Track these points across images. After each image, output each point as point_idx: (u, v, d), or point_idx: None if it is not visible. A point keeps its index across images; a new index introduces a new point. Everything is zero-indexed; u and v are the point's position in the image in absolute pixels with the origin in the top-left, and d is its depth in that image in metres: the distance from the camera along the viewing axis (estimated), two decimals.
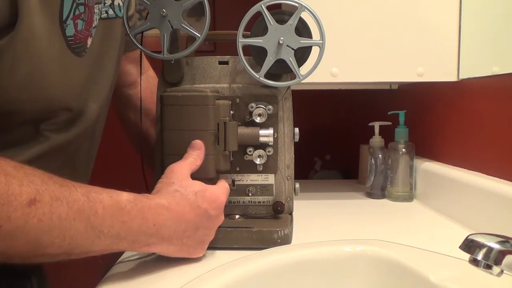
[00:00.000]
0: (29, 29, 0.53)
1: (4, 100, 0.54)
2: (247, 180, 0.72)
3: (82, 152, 0.71)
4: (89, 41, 0.63)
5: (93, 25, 0.64)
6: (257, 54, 0.67)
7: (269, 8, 0.65)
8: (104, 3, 0.68)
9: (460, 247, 0.41)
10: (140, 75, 0.84)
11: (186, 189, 0.58)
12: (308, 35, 0.66)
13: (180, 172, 0.60)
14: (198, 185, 0.59)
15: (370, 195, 1.02)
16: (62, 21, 0.57)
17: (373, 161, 1.01)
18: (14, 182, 0.43)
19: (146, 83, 0.87)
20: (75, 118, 0.66)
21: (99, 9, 0.65)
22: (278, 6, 0.69)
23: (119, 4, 0.71)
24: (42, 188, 0.45)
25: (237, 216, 0.71)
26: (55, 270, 0.90)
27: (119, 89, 0.85)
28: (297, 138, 0.73)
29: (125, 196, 0.52)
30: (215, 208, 0.59)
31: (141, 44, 0.71)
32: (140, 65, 0.81)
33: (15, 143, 0.48)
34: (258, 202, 0.72)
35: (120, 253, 0.64)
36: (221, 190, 0.61)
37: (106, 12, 0.68)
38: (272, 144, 0.70)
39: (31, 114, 0.60)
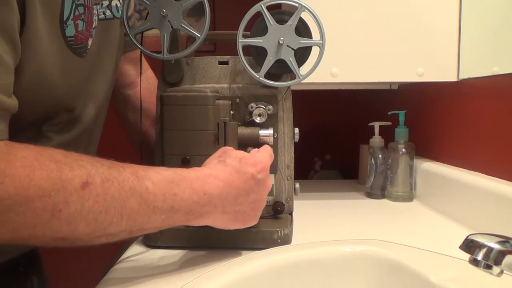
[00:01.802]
0: (33, 29, 0.53)
1: None
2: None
3: (80, 152, 0.71)
4: (90, 41, 0.63)
5: (93, 26, 0.64)
6: (257, 54, 0.67)
7: (269, 8, 0.65)
8: (102, 4, 0.68)
9: (460, 247, 0.41)
10: (140, 75, 0.84)
11: (229, 158, 0.59)
12: (308, 35, 0.66)
13: (226, 148, 0.61)
14: (241, 152, 0.60)
15: (370, 195, 1.02)
16: (62, 22, 0.57)
17: (373, 161, 1.01)
18: (66, 168, 0.45)
19: (145, 84, 0.87)
20: (75, 119, 0.66)
21: (96, 10, 0.65)
22: (278, 6, 0.69)
23: (116, 5, 0.71)
24: (92, 171, 0.47)
25: None
26: (55, 270, 0.90)
27: (117, 90, 0.85)
28: (297, 138, 0.73)
29: (171, 170, 0.54)
30: (260, 172, 0.59)
31: (141, 44, 0.71)
32: (140, 65, 0.81)
33: None
34: None
35: (120, 253, 0.64)
36: (263, 154, 0.61)
37: (104, 13, 0.69)
38: (272, 144, 0.70)
39: (35, 116, 0.60)
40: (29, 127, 0.61)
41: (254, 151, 0.62)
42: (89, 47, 0.63)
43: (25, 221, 0.43)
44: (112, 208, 0.47)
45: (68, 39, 0.59)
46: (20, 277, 0.74)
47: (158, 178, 0.51)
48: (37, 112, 0.60)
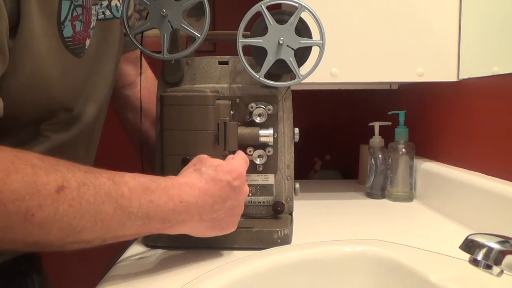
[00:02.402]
0: (29, 30, 0.53)
1: (8, 102, 0.54)
2: (247, 180, 0.72)
3: (81, 152, 0.71)
4: (87, 42, 0.63)
5: (91, 27, 0.64)
6: (257, 54, 0.67)
7: (269, 8, 0.65)
8: (101, 4, 0.68)
9: (460, 247, 0.41)
10: (140, 76, 0.84)
11: (204, 166, 0.59)
12: (308, 35, 0.66)
13: (201, 156, 0.61)
14: (216, 160, 0.60)
15: (370, 195, 1.02)
16: (60, 23, 0.57)
17: (373, 161, 1.01)
18: (41, 172, 0.45)
19: (144, 84, 0.88)
20: (74, 118, 0.66)
21: (95, 10, 0.65)
22: (278, 6, 0.69)
23: (116, 5, 0.71)
24: (68, 175, 0.46)
25: None
26: (55, 269, 0.90)
27: (117, 90, 0.85)
28: (297, 138, 0.73)
29: (147, 177, 0.53)
30: (236, 179, 0.59)
31: (141, 44, 0.71)
32: (140, 65, 0.81)
33: (16, 145, 0.49)
34: (258, 202, 0.72)
35: (120, 253, 0.64)
36: (238, 161, 0.62)
37: (103, 13, 0.69)
38: (272, 144, 0.70)
39: (33, 116, 0.60)
40: (26, 126, 0.60)
41: (230, 157, 0.62)
42: (86, 47, 0.63)
43: None
44: (86, 213, 0.46)
45: (66, 39, 0.59)
46: (21, 276, 0.74)
47: (134, 183, 0.51)
48: (34, 112, 0.60)
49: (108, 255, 0.67)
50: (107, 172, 0.50)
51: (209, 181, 0.57)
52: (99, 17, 0.67)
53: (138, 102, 0.84)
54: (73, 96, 0.64)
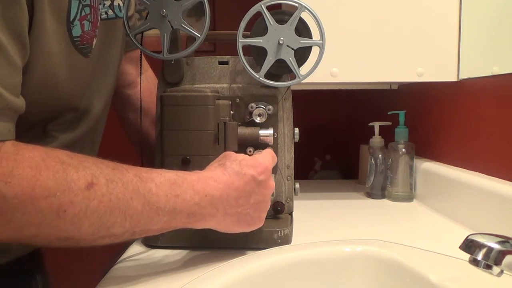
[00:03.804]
0: (41, 29, 0.53)
1: None
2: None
3: (86, 151, 0.71)
4: (94, 41, 0.63)
5: (98, 25, 0.64)
6: (257, 54, 0.67)
7: (269, 8, 0.65)
8: (104, 4, 0.68)
9: (460, 247, 0.41)
10: (140, 75, 0.84)
11: (229, 161, 0.59)
12: (308, 35, 0.66)
13: (227, 152, 0.62)
14: (241, 155, 0.60)
15: (370, 195, 1.02)
16: (69, 22, 0.58)
17: (373, 161, 1.01)
18: (71, 169, 0.46)
19: (145, 83, 0.88)
20: (80, 118, 0.66)
21: (99, 9, 0.65)
22: (278, 6, 0.69)
23: (118, 4, 0.71)
24: (97, 172, 0.47)
25: None
26: (57, 269, 0.90)
27: (118, 90, 0.86)
28: (297, 138, 0.73)
29: (173, 173, 0.54)
30: (261, 173, 0.59)
31: (141, 44, 0.71)
32: (140, 65, 0.81)
33: None
34: None
35: (120, 253, 0.64)
36: (265, 156, 0.61)
37: (106, 13, 0.69)
38: (272, 144, 0.70)
39: (41, 116, 0.61)
40: (34, 127, 0.61)
41: (257, 153, 0.63)
42: (93, 46, 0.63)
43: (30, 220, 0.44)
44: (116, 208, 0.47)
45: (75, 39, 0.59)
46: (24, 276, 0.75)
47: (160, 180, 0.52)
48: (42, 112, 0.60)
49: (109, 255, 0.67)
50: (134, 168, 0.52)
51: (233, 175, 0.57)
52: (102, 17, 0.67)
53: (139, 102, 0.84)
54: (79, 95, 0.64)
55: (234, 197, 0.56)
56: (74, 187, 0.45)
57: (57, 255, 0.91)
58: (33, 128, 0.61)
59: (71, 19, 0.58)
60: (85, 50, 0.61)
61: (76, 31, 0.59)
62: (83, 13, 0.59)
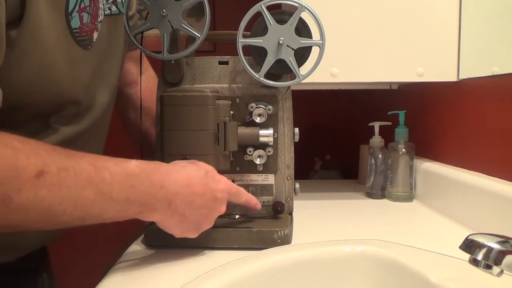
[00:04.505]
0: (36, 20, 0.53)
1: (15, 93, 0.54)
2: (247, 180, 0.72)
3: (91, 146, 0.72)
4: (95, 35, 0.64)
5: (99, 20, 0.64)
6: (257, 54, 0.67)
7: (269, 8, 0.65)
8: (107, 0, 0.68)
9: (460, 247, 0.41)
10: (140, 75, 0.84)
11: (198, 166, 0.59)
12: (308, 35, 0.66)
13: (195, 160, 0.62)
14: (211, 167, 0.60)
15: (370, 195, 1.02)
16: (67, 13, 0.58)
17: (373, 161, 1.01)
18: (21, 155, 0.44)
19: (146, 83, 0.88)
20: (83, 112, 0.67)
21: (102, 4, 0.66)
22: (278, 6, 0.69)
23: (122, 0, 0.71)
24: (48, 160, 0.46)
25: (237, 216, 0.71)
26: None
27: (119, 88, 0.86)
28: (297, 138, 0.73)
29: (133, 163, 0.53)
30: (221, 192, 0.59)
31: (141, 44, 0.71)
32: (140, 64, 0.81)
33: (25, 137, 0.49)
34: None
35: (120, 253, 0.64)
36: (229, 181, 0.62)
37: (110, 9, 0.69)
38: (272, 144, 0.70)
39: (41, 108, 0.60)
40: (35, 119, 0.61)
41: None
42: (94, 40, 0.63)
43: None
44: (66, 198, 0.46)
45: (74, 31, 0.59)
46: (31, 274, 0.76)
47: (116, 169, 0.51)
48: (42, 104, 0.60)
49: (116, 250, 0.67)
50: (90, 156, 0.50)
51: (196, 179, 0.57)
52: (105, 12, 0.67)
53: (139, 101, 0.84)
54: (81, 89, 0.64)
55: (188, 201, 0.56)
56: (24, 175, 0.44)
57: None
58: (35, 120, 0.61)
59: (69, 11, 0.58)
60: (84, 42, 0.61)
61: (75, 22, 0.59)
62: (82, 5, 0.59)
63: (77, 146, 0.67)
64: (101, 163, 0.50)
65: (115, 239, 0.65)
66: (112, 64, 0.72)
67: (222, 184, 0.60)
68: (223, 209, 0.60)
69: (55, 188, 0.45)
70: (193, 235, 0.60)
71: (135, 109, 0.89)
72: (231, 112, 0.69)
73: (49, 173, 0.45)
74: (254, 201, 0.67)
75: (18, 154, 0.44)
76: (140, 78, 0.85)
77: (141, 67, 0.82)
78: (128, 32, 0.69)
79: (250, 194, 0.66)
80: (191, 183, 0.56)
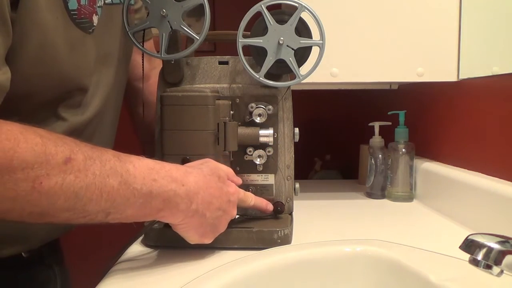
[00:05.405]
0: (33, 1, 0.53)
1: (19, 77, 0.55)
2: (247, 180, 0.72)
3: (99, 135, 0.72)
4: (95, 19, 0.64)
5: (98, 4, 0.64)
6: (257, 54, 0.67)
7: (269, 8, 0.65)
8: None
9: (460, 247, 0.41)
10: (142, 74, 0.84)
11: (215, 168, 0.60)
12: (308, 35, 0.66)
13: (209, 159, 0.63)
14: (223, 173, 0.61)
15: (370, 195, 1.02)
16: None
17: (373, 161, 1.01)
18: (50, 143, 0.46)
19: (154, 78, 0.88)
20: (89, 99, 0.67)
21: None
22: (278, 6, 0.69)
23: None
24: (75, 148, 0.48)
25: (237, 216, 0.71)
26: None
27: (129, 82, 0.86)
28: (297, 138, 0.73)
29: (152, 160, 0.55)
30: (234, 194, 0.60)
31: (143, 42, 0.71)
32: (142, 63, 0.81)
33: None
34: None
35: (120, 253, 0.64)
36: (236, 186, 0.63)
37: None
38: (272, 144, 0.70)
39: (47, 95, 0.61)
40: (43, 108, 0.62)
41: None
42: (95, 24, 0.63)
43: (5, 193, 0.44)
44: (92, 184, 0.47)
45: (71, 12, 0.59)
46: (44, 268, 0.77)
47: (139, 163, 0.52)
48: (47, 89, 0.60)
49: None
50: (113, 151, 0.52)
51: (212, 180, 0.58)
52: (106, 1, 0.67)
53: (149, 95, 0.85)
54: (84, 74, 0.64)
55: (208, 201, 0.57)
56: (52, 161, 0.45)
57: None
58: (43, 109, 0.61)
59: None
60: (83, 25, 0.61)
61: (72, 4, 0.59)
62: None
63: (85, 137, 0.68)
64: (124, 157, 0.52)
65: (128, 234, 0.65)
66: (114, 52, 0.72)
67: (233, 188, 0.61)
68: (234, 212, 0.62)
69: (81, 174, 0.47)
70: (209, 239, 0.60)
71: (145, 104, 0.89)
72: (231, 112, 0.69)
73: (75, 160, 0.47)
74: (264, 203, 0.68)
75: (47, 142, 0.46)
76: (143, 77, 0.85)
77: (143, 67, 0.82)
78: (127, 30, 0.69)
79: (258, 197, 0.67)
80: (209, 185, 0.57)
